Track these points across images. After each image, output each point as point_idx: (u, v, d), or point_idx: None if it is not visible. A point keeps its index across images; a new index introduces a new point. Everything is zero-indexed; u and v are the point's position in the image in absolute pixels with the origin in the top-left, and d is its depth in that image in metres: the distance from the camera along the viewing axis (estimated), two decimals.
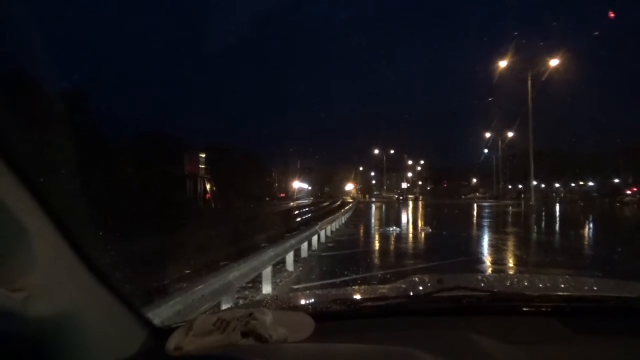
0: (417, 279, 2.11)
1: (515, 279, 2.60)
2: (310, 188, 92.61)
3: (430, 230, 19.54)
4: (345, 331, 1.25)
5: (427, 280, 1.97)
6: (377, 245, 15.25)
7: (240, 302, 5.90)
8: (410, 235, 18.57)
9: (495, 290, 1.57)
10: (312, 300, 1.78)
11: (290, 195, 74.35)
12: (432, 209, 42.25)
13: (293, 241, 9.73)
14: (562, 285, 1.92)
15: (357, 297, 1.78)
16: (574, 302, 1.49)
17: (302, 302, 1.72)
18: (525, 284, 1.99)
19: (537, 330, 1.29)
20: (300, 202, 62.54)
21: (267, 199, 59.48)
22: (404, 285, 1.93)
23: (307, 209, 37.83)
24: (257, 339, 0.98)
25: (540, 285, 1.90)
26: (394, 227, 19.84)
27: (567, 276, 2.10)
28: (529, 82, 34.38)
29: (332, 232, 16.78)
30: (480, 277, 2.36)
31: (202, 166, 40.59)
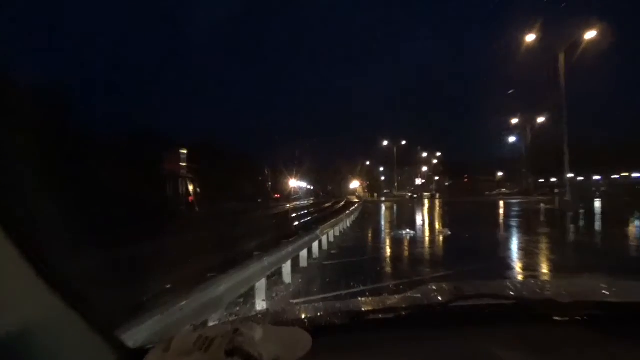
0: (433, 287, 2.11)
1: (548, 285, 2.60)
2: (311, 187, 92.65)
3: (449, 232, 19.57)
4: (346, 347, 1.26)
5: (445, 287, 1.97)
6: (387, 251, 15.26)
7: (230, 319, 5.90)
8: (427, 239, 18.59)
9: (522, 296, 1.58)
10: (309, 313, 1.78)
11: (286, 196, 74.32)
12: (452, 208, 42.18)
13: (290, 249, 9.71)
14: (598, 291, 1.92)
15: (361, 309, 1.77)
16: (611, 309, 1.50)
17: (297, 315, 1.72)
18: (556, 290, 1.99)
19: (568, 341, 1.30)
20: (297, 203, 62.53)
21: (259, 200, 59.55)
22: (418, 295, 1.93)
23: (305, 211, 37.77)
24: (243, 358, 0.99)
25: (574, 291, 1.91)
26: (408, 230, 19.90)
27: (603, 280, 2.09)
28: (562, 60, 34.21)
29: (335, 237, 16.82)
30: (504, 284, 2.36)
31: (184, 164, 40.53)
